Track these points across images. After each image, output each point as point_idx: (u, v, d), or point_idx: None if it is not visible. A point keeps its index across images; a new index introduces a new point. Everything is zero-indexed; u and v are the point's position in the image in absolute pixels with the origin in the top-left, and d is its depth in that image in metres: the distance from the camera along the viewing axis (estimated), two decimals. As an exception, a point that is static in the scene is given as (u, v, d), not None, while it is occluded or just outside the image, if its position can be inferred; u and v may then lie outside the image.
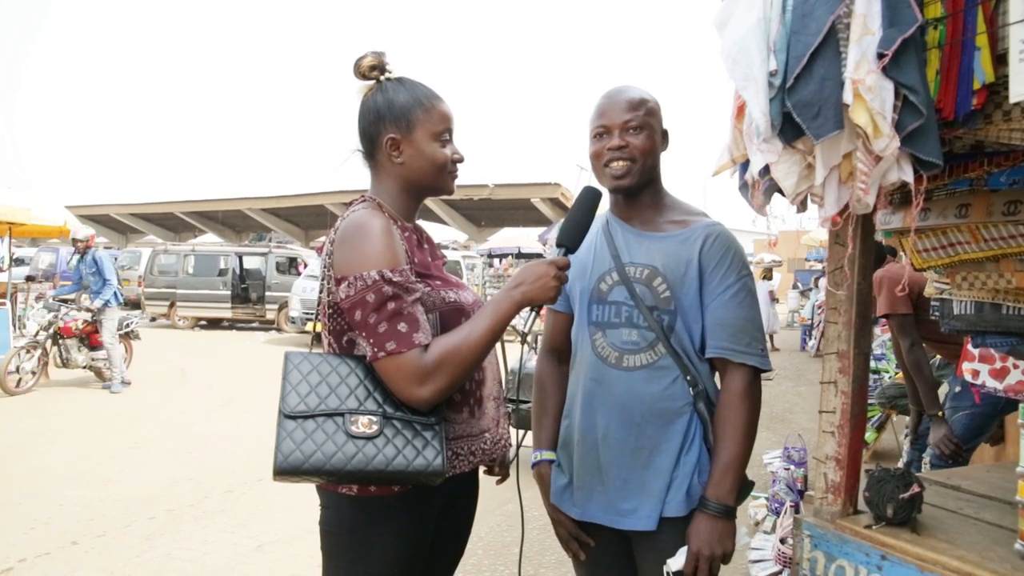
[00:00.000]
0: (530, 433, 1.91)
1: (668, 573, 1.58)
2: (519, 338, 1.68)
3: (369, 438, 1.37)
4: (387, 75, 1.57)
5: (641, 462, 1.66)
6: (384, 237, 1.42)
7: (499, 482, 1.81)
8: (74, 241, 8.78)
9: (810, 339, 14.14)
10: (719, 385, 1.70)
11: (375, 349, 1.38)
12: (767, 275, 15.16)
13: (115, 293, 8.63)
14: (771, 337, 15.18)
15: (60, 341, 8.60)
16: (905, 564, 1.43)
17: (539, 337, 1.98)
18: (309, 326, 13.16)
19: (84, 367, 8.83)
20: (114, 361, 8.57)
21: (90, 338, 8.75)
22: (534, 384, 1.96)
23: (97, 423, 6.44)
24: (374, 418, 1.39)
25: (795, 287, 18.02)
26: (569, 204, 1.74)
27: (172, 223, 35.70)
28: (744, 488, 1.66)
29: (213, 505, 4.66)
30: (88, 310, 8.55)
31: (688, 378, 1.65)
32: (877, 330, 6.86)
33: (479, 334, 1.42)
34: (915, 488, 1.53)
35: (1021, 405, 1.44)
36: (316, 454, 1.34)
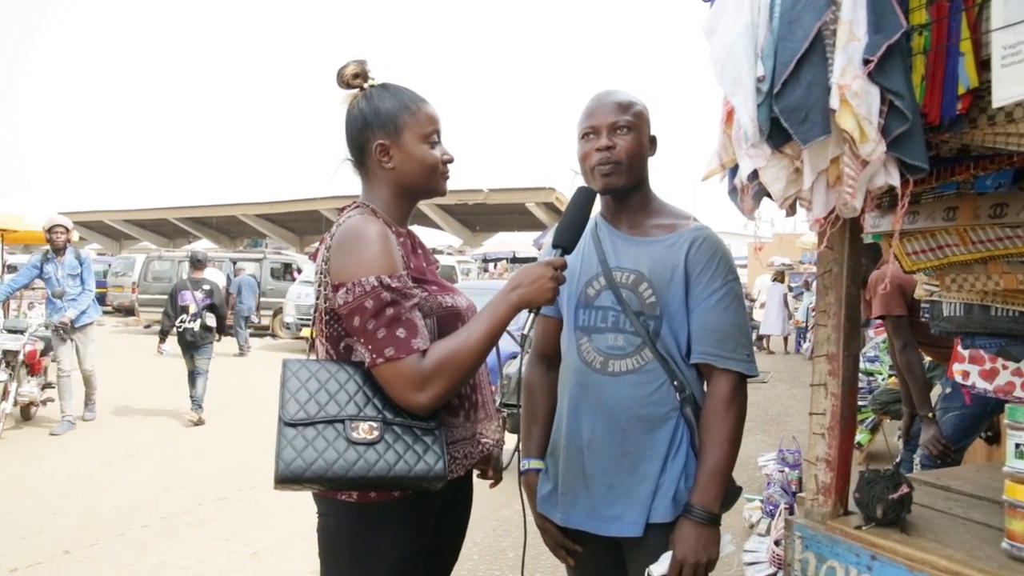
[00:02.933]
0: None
1: None
2: (515, 342, 1.68)
3: (370, 444, 1.37)
4: (370, 82, 1.59)
5: (627, 468, 1.66)
6: (381, 243, 1.42)
7: (492, 486, 1.81)
8: (52, 231, 6.65)
9: (804, 341, 14.16)
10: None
11: (374, 355, 1.38)
12: (779, 277, 15.11)
13: (94, 302, 6.93)
14: (785, 340, 15.19)
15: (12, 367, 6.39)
16: (895, 564, 1.44)
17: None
18: (304, 332, 13.15)
19: (27, 403, 6.76)
20: (87, 388, 6.94)
21: (33, 364, 6.68)
22: (523, 390, 1.94)
23: (89, 431, 6.42)
24: (374, 424, 1.39)
25: (789, 289, 18.06)
26: (563, 209, 1.74)
27: (166, 229, 35.63)
28: (730, 495, 1.67)
29: (207, 512, 4.65)
30: (61, 324, 6.55)
31: (675, 383, 1.65)
32: (870, 332, 6.89)
33: (477, 338, 1.43)
34: (904, 489, 1.54)
35: (1008, 406, 1.45)
36: (318, 461, 1.34)
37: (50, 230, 6.66)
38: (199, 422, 7.26)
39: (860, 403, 5.58)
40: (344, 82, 1.58)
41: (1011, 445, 1.42)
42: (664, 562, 1.58)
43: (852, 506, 1.65)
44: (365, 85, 1.58)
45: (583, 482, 1.70)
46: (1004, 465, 1.43)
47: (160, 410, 7.97)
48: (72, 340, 6.74)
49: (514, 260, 21.18)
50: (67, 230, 6.77)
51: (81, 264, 6.80)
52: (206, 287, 7.44)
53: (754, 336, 14.82)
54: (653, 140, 1.76)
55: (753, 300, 16.13)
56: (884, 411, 5.42)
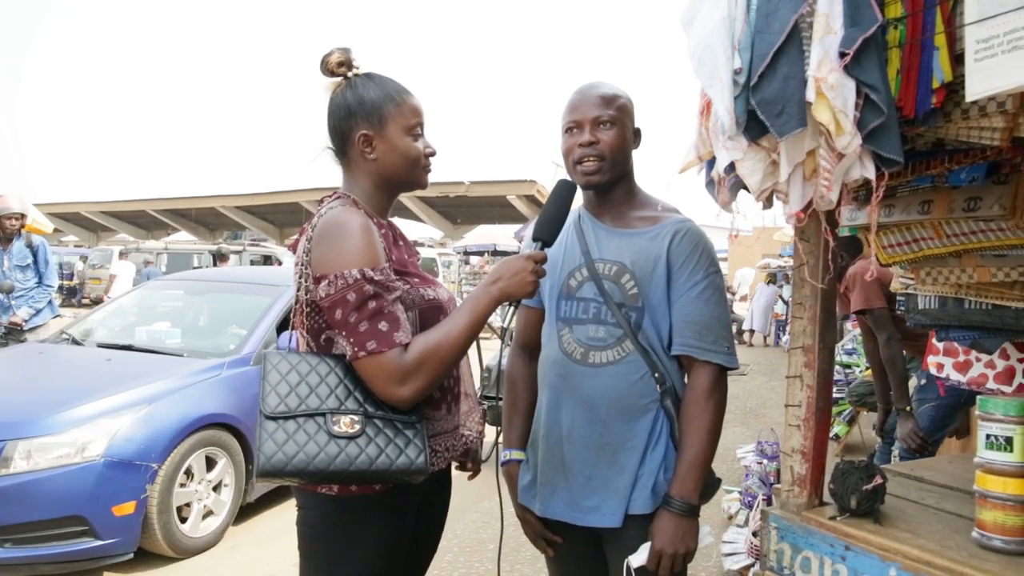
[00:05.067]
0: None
1: (629, 569, 1.60)
2: (496, 335, 1.68)
3: (351, 438, 1.37)
4: (355, 71, 1.57)
5: (606, 459, 1.67)
6: (364, 235, 1.41)
7: (471, 477, 1.81)
8: (6, 218, 5.54)
9: (783, 334, 14.30)
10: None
11: (356, 348, 1.38)
12: (771, 279, 15.31)
13: (51, 302, 5.82)
14: (764, 338, 15.38)
15: None
16: (868, 554, 1.46)
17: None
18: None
19: None
20: None
21: None
22: (505, 381, 1.94)
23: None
24: (356, 417, 1.39)
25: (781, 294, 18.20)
26: (544, 201, 1.75)
27: (144, 221, 35.24)
28: (709, 486, 1.68)
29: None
30: (12, 324, 5.46)
31: (655, 375, 1.65)
32: (848, 325, 6.96)
33: (459, 331, 1.43)
34: (878, 480, 1.56)
35: (979, 398, 1.47)
36: (298, 455, 1.33)
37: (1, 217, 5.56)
38: None
39: (837, 395, 5.64)
40: (328, 70, 1.55)
41: (981, 436, 1.44)
42: (643, 553, 1.59)
43: (827, 497, 1.66)
44: (350, 74, 1.56)
45: (562, 473, 1.71)
46: (975, 456, 1.46)
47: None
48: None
49: (495, 253, 21.19)
50: (21, 217, 5.65)
51: (34, 253, 5.64)
52: None
53: (735, 329, 14.95)
54: (637, 133, 1.76)
55: (734, 293, 16.27)
56: (861, 403, 5.48)
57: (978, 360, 2.83)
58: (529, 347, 1.91)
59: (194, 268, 16.85)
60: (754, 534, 3.31)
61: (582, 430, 1.68)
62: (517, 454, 1.86)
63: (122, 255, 15.49)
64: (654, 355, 1.66)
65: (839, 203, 1.38)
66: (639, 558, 1.59)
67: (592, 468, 1.67)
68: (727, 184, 1.50)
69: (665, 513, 1.60)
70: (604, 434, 1.67)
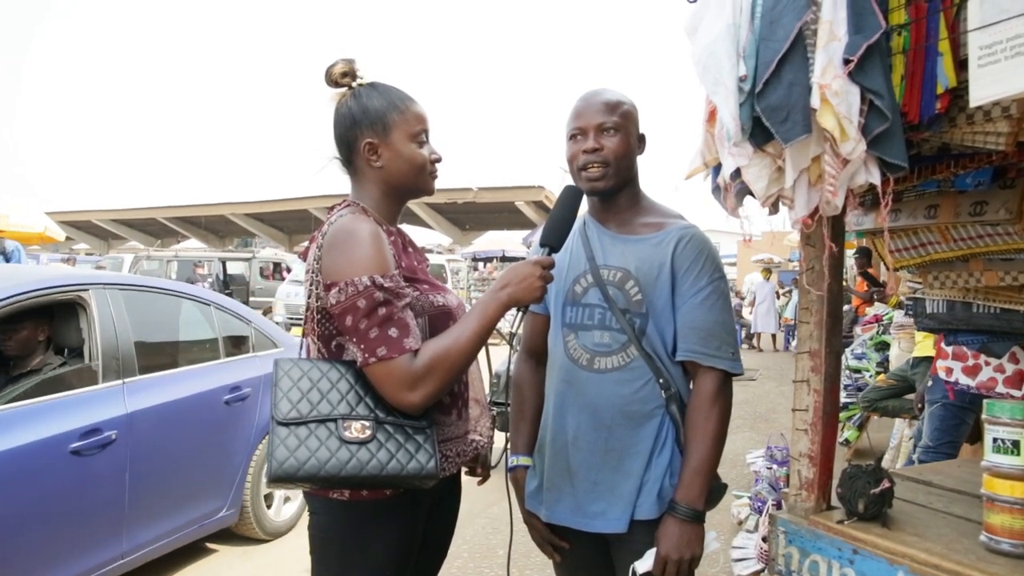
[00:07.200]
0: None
1: (636, 575, 1.60)
2: (505, 340, 1.69)
3: (362, 443, 1.38)
4: (359, 81, 1.59)
5: (611, 464, 1.67)
6: (374, 242, 1.43)
7: (480, 483, 1.82)
8: None
9: (793, 339, 14.26)
10: None
11: (366, 355, 1.39)
12: (767, 274, 15.21)
13: None
14: (773, 338, 15.27)
15: None
16: (876, 558, 1.46)
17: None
18: (295, 331, 13.14)
19: None
20: None
21: None
22: (512, 387, 1.95)
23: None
24: (367, 423, 1.40)
25: (780, 285, 18.12)
26: (552, 207, 1.76)
27: (154, 229, 35.47)
28: (715, 492, 1.67)
29: (197, 511, 4.62)
30: None
31: (660, 381, 1.65)
32: (858, 329, 6.93)
33: (468, 337, 1.43)
34: (885, 483, 1.57)
35: (986, 401, 1.48)
36: (311, 460, 1.35)
37: None
38: None
39: (847, 400, 5.60)
40: (332, 81, 1.57)
41: (989, 440, 1.45)
42: (648, 559, 1.59)
43: (835, 501, 1.67)
44: (353, 84, 1.58)
45: (568, 478, 1.71)
46: (983, 460, 1.46)
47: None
48: None
49: (504, 259, 21.22)
50: None
51: (7, 260, 5.07)
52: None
53: (744, 334, 14.89)
54: (642, 139, 1.76)
55: (743, 298, 16.21)
56: (873, 408, 5.44)
57: (987, 364, 2.82)
58: (536, 353, 1.92)
59: (203, 275, 16.96)
60: (764, 539, 3.30)
61: (587, 435, 1.69)
62: (523, 459, 1.87)
63: (65, 261, 14.78)
64: (659, 361, 1.67)
65: (845, 208, 1.39)
66: (645, 564, 1.59)
67: (597, 473, 1.68)
68: (733, 190, 1.52)
69: (670, 519, 1.60)
70: (609, 439, 1.67)
